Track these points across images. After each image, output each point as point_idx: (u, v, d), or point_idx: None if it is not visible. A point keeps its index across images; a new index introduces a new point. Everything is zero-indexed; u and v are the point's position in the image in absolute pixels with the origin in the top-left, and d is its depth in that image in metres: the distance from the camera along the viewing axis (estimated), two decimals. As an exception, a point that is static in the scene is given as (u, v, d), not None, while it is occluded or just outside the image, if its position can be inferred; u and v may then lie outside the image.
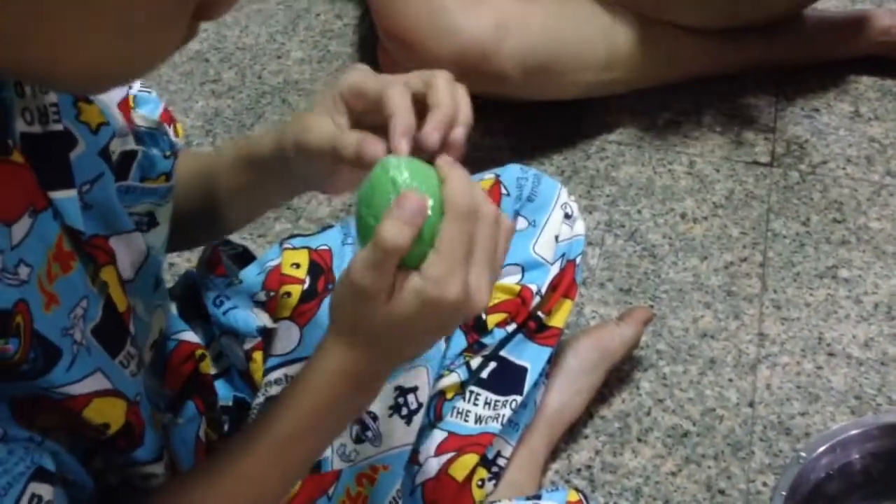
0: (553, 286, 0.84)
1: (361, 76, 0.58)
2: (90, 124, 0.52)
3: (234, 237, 1.14)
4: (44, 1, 0.37)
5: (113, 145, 0.54)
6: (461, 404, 0.79)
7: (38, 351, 0.46)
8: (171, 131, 0.61)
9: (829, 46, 1.34)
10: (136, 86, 0.62)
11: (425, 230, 0.51)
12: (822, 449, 0.84)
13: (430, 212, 0.51)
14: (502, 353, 0.81)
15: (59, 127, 0.48)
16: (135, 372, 0.55)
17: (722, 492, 0.92)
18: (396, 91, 0.56)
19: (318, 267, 0.78)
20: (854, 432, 0.85)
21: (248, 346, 0.72)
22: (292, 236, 0.83)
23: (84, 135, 0.51)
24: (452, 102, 0.56)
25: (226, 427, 0.70)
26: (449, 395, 0.78)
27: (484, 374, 0.80)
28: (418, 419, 0.73)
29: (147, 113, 0.60)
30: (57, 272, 0.47)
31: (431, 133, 0.55)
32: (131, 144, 0.56)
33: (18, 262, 0.44)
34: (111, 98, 0.56)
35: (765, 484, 0.93)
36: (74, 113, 0.51)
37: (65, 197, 0.48)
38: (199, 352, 0.67)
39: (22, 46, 0.39)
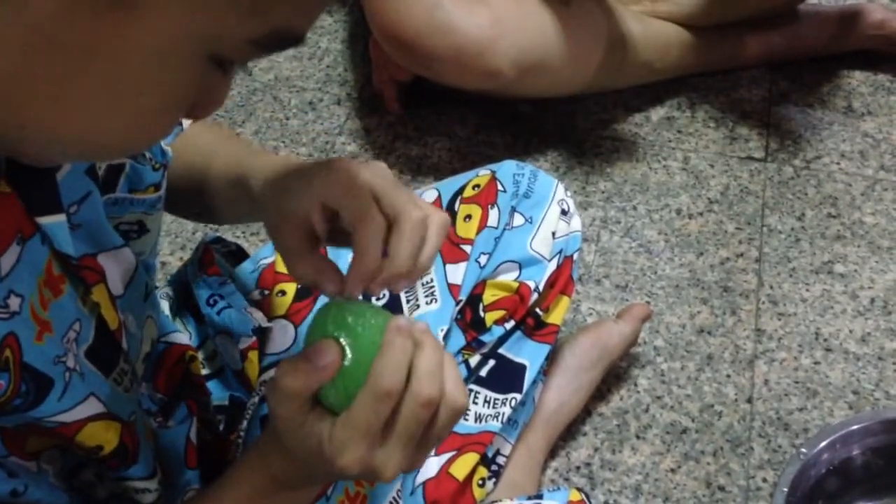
0: (550, 283, 0.83)
1: (338, 197, 0.54)
2: None
3: (227, 235, 1.13)
4: (66, 84, 0.37)
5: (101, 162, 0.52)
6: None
7: (30, 384, 0.45)
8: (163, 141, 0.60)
9: (823, 41, 1.34)
10: None
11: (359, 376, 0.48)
12: (822, 445, 0.83)
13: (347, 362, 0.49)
14: (501, 350, 0.80)
15: None
16: (128, 388, 0.54)
17: (722, 488, 0.92)
18: (369, 233, 0.52)
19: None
20: (854, 428, 0.84)
21: (242, 345, 0.71)
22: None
23: None
24: (411, 257, 0.53)
25: (221, 427, 0.69)
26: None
27: (483, 373, 0.79)
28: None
29: None
30: (49, 297, 0.46)
31: (376, 287, 0.54)
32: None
33: (8, 293, 0.43)
34: None
35: (764, 480, 0.92)
36: None
37: (53, 222, 0.46)
38: (188, 354, 0.65)
39: (30, 123, 0.39)
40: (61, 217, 0.47)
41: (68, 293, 0.48)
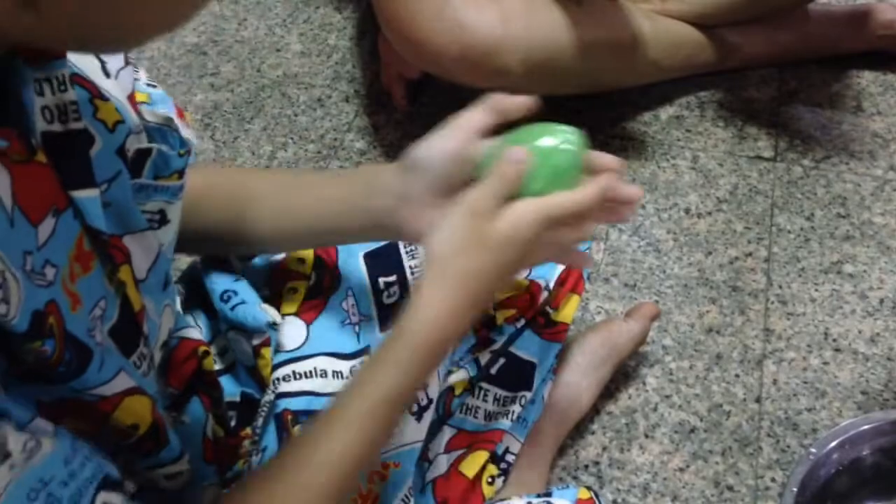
0: (561, 281, 0.83)
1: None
2: (107, 122, 0.51)
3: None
4: None
5: (128, 143, 0.53)
6: (470, 400, 0.78)
7: (72, 352, 0.45)
8: (183, 129, 0.60)
9: (832, 41, 1.34)
10: (143, 79, 0.61)
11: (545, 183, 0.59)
12: (832, 445, 0.83)
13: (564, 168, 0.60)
14: (511, 348, 0.80)
15: (79, 125, 0.47)
16: (146, 373, 0.54)
17: (730, 488, 0.92)
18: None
19: (323, 263, 0.77)
20: (864, 428, 0.84)
21: (255, 341, 0.71)
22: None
23: (101, 133, 0.50)
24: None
25: (233, 423, 0.69)
26: (458, 392, 0.77)
27: (493, 371, 0.79)
28: (428, 416, 0.72)
29: (163, 111, 0.59)
30: (78, 272, 0.47)
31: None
32: (145, 142, 0.55)
33: (45, 262, 0.44)
34: (123, 89, 0.55)
35: (773, 480, 0.92)
36: (91, 110, 0.50)
37: (87, 197, 0.47)
38: (201, 349, 0.66)
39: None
40: (94, 192, 0.47)
41: (96, 270, 0.48)
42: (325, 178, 0.72)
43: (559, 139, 0.60)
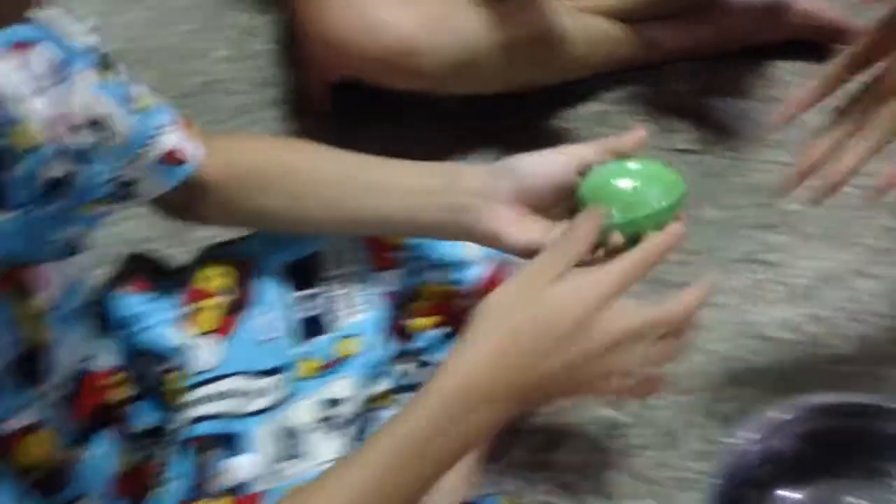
0: (487, 285, 0.83)
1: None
2: (25, 145, 0.49)
3: (153, 245, 1.10)
4: None
5: (46, 168, 0.51)
6: (391, 413, 0.77)
7: None
8: (187, 140, 0.59)
9: (751, 33, 1.36)
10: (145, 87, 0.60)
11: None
12: (753, 434, 0.85)
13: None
14: (431, 357, 0.80)
15: None
16: (48, 407, 0.53)
17: (656, 482, 0.93)
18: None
19: (240, 278, 0.76)
20: (785, 416, 0.86)
21: (166, 365, 0.70)
22: (214, 245, 0.80)
23: (18, 156, 0.49)
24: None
25: (144, 453, 0.68)
26: (377, 404, 0.77)
27: (413, 381, 0.79)
28: (348, 431, 0.72)
29: (160, 121, 0.59)
30: None
31: None
32: (67, 167, 0.53)
33: None
34: (55, 106, 0.53)
35: (699, 472, 0.94)
36: (9, 132, 0.49)
37: None
38: (107, 380, 0.64)
39: None
40: (8, 216, 0.46)
41: (2, 300, 0.47)
42: (402, 168, 0.73)
43: (654, 174, 0.64)
